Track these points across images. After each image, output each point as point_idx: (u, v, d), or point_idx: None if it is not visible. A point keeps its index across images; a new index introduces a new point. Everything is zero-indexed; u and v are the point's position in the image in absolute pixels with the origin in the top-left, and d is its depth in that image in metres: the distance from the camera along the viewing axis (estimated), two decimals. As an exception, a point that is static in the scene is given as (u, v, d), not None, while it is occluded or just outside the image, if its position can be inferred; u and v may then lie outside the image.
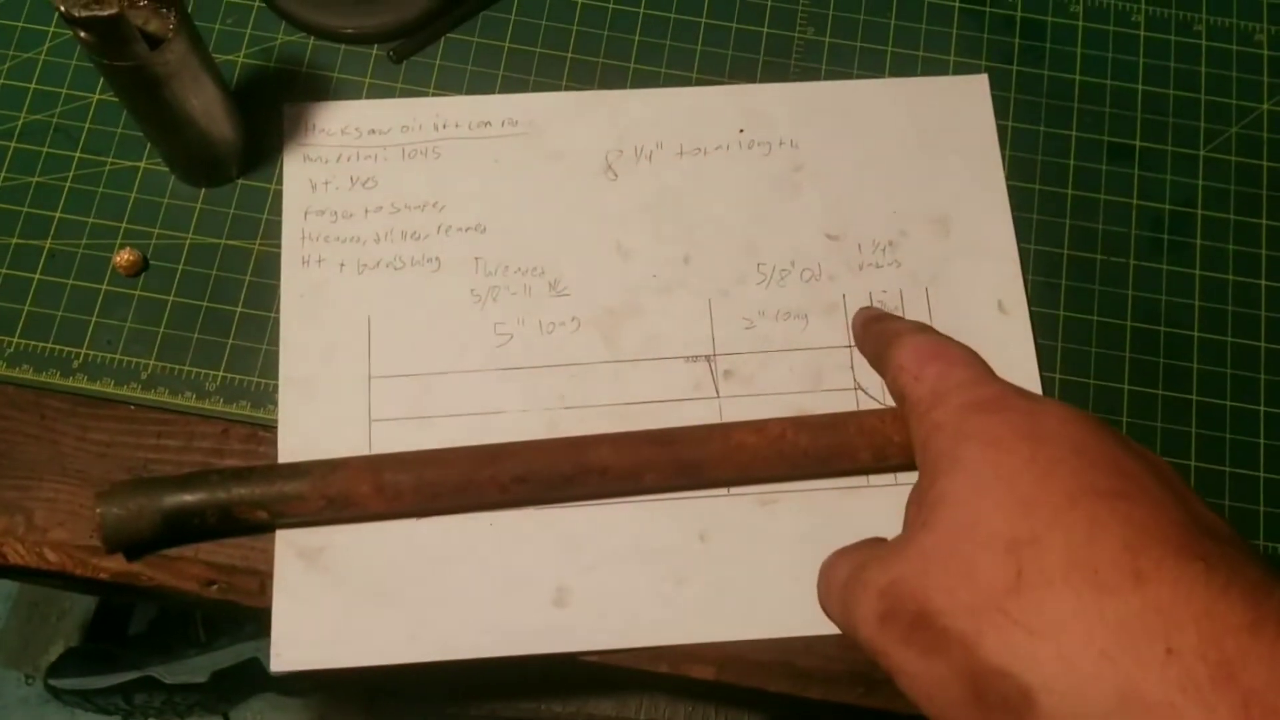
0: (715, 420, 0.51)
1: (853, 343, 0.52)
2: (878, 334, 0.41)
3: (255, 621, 1.12)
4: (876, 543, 0.34)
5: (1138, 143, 0.56)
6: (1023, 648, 0.29)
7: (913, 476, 0.49)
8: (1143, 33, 0.58)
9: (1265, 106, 0.57)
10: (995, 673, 0.29)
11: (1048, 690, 0.28)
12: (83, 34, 0.44)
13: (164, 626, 1.13)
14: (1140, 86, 0.57)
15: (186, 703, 1.13)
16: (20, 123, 0.54)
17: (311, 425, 0.50)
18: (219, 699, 1.14)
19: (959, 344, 0.38)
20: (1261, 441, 0.52)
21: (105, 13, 0.42)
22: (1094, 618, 0.28)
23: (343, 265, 0.52)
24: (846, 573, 0.34)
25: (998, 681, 0.29)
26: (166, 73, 0.46)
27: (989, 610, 0.29)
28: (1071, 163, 0.55)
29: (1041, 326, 0.53)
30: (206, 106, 0.49)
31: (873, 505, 0.50)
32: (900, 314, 0.52)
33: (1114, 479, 0.31)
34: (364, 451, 0.50)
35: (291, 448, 0.50)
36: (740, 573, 0.49)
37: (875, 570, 0.33)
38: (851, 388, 0.52)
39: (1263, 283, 0.54)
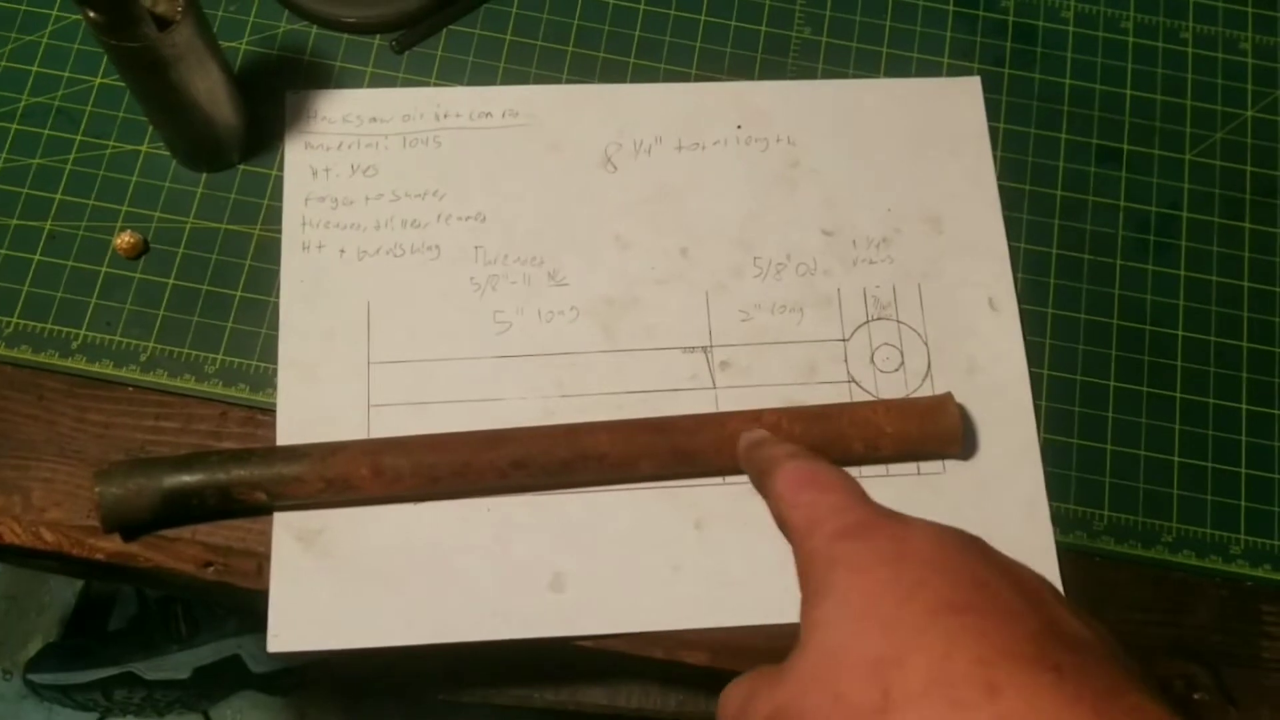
0: (711, 410, 0.51)
1: (844, 336, 0.53)
2: (759, 460, 0.43)
3: (238, 617, 1.12)
4: (768, 669, 0.35)
5: (1125, 146, 0.57)
6: None
7: (905, 469, 0.51)
8: (1131, 39, 0.59)
9: (1249, 113, 0.58)
10: None
11: None
12: (91, 14, 0.44)
13: (145, 622, 1.12)
14: (1129, 91, 0.58)
15: (167, 699, 1.12)
16: (22, 105, 0.54)
17: (310, 409, 0.50)
18: (200, 696, 1.14)
19: (831, 469, 0.39)
20: (1243, 439, 0.53)
21: (116, -8, 0.43)
22: None
23: (343, 251, 0.53)
24: (737, 704, 0.36)
25: None
26: (173, 55, 0.46)
27: None
28: (1061, 164, 0.56)
29: (1030, 323, 0.54)
30: (211, 91, 0.49)
31: (865, 496, 0.51)
32: (895, 309, 0.53)
33: (970, 594, 0.32)
34: (362, 436, 0.50)
35: (290, 431, 0.50)
36: (734, 560, 0.50)
37: (761, 699, 0.34)
38: (845, 380, 0.52)
39: (1245, 284, 0.55)
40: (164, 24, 0.45)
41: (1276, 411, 0.53)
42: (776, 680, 0.34)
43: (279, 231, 0.53)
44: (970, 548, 0.34)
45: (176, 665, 1.09)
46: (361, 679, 1.15)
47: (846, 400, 0.52)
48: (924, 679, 0.30)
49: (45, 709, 1.16)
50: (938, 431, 0.50)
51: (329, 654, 0.48)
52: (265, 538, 0.48)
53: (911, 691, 0.30)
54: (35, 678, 1.10)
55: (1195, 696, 0.50)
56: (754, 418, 0.49)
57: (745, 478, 0.50)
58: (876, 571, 0.33)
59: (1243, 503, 0.52)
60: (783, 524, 0.38)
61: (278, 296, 0.52)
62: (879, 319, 0.53)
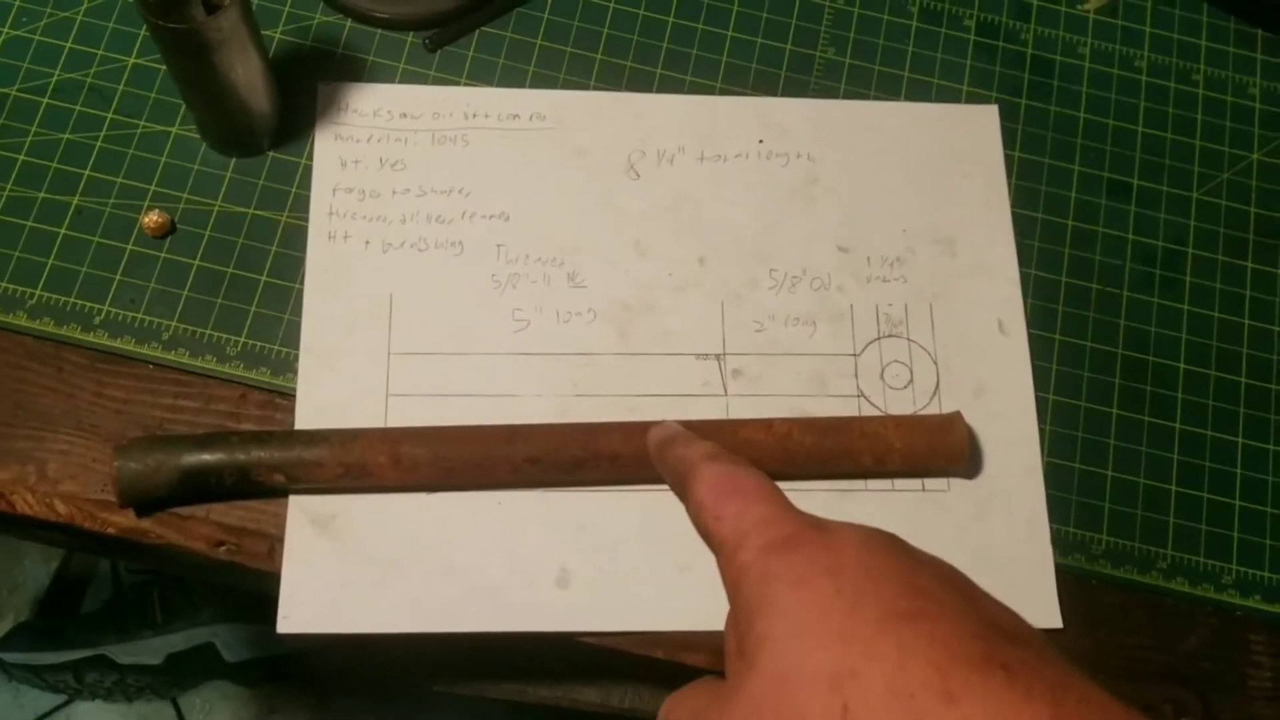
0: (721, 417, 0.52)
1: (855, 351, 0.54)
2: (673, 461, 0.42)
3: (213, 605, 1.11)
4: (710, 687, 0.35)
5: (1135, 181, 0.58)
6: None
7: (910, 484, 0.52)
8: (1144, 78, 0.60)
9: (1255, 156, 0.60)
10: None
11: None
12: (142, -7, 0.45)
13: (119, 606, 1.12)
14: (1140, 128, 0.59)
15: (138, 685, 1.11)
16: (54, 80, 0.55)
17: (329, 395, 0.51)
18: (171, 683, 1.13)
19: (751, 472, 0.38)
20: (1238, 471, 0.54)
21: (167, -25, 0.44)
22: None
23: (368, 243, 0.53)
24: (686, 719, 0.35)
25: None
26: (218, 39, 0.47)
27: None
28: (1073, 195, 0.58)
29: (1038, 348, 0.55)
30: (249, 77, 0.50)
31: (869, 508, 0.52)
32: (906, 327, 0.54)
33: (912, 599, 0.32)
34: (379, 425, 0.50)
35: (309, 416, 0.50)
36: (739, 565, 0.50)
37: (713, 717, 0.34)
38: (854, 394, 0.53)
39: (1246, 321, 0.56)
40: (211, 8, 0.46)
41: (1271, 447, 0.54)
42: (727, 699, 0.33)
43: (306, 219, 0.53)
44: (897, 550, 0.34)
45: (150, 650, 1.09)
46: (333, 673, 1.15)
47: (855, 414, 0.53)
48: (882, 690, 0.30)
49: (13, 689, 1.15)
50: (945, 449, 0.51)
51: (328, 639, 0.48)
52: (279, 520, 0.49)
53: (871, 704, 0.30)
54: (5, 656, 1.09)
55: (1182, 721, 0.51)
56: (766, 426, 0.50)
57: (753, 485, 0.51)
58: (817, 583, 0.33)
59: (1236, 534, 0.53)
60: (705, 534, 0.38)
61: (302, 283, 0.52)
62: (890, 336, 0.54)
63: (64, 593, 1.19)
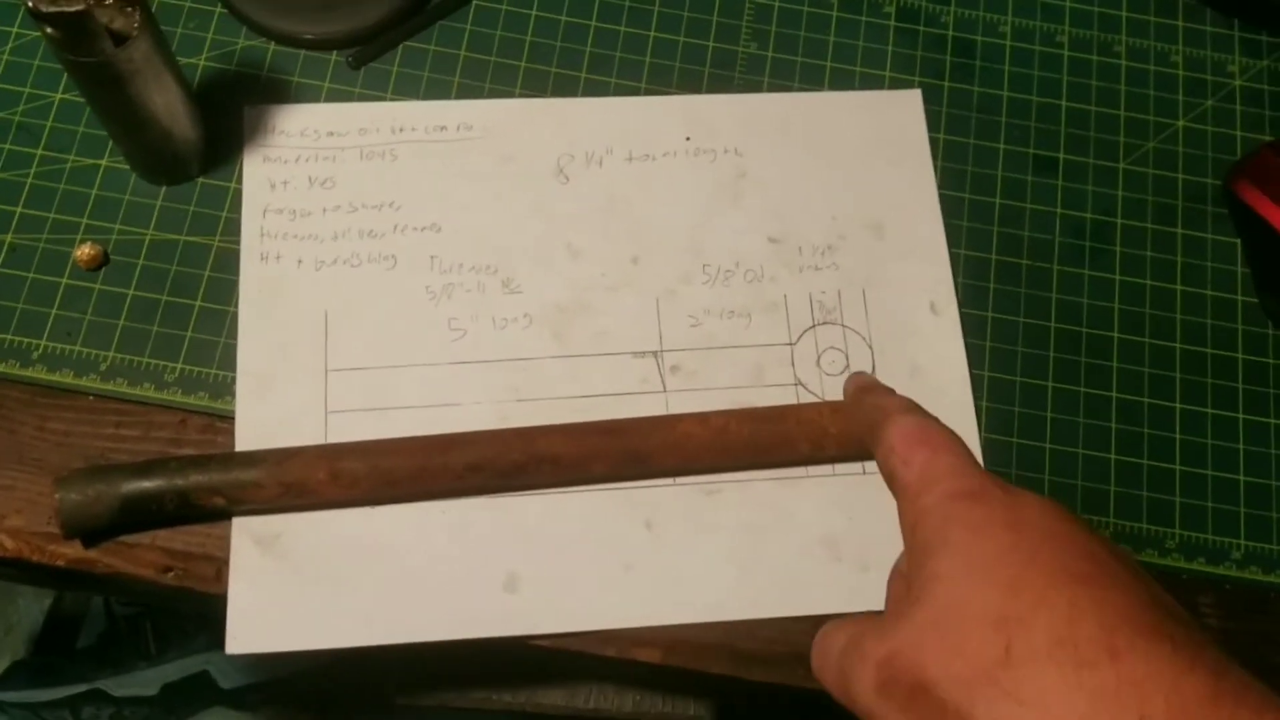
0: (662, 413, 0.53)
1: (791, 340, 0.54)
2: (870, 408, 0.44)
3: (206, 633, 1.11)
4: (871, 616, 0.37)
5: (1061, 155, 0.59)
6: (1012, 716, 0.31)
7: (850, 468, 0.53)
8: (1066, 53, 0.61)
9: (1180, 123, 0.60)
10: None
11: None
12: (49, 29, 0.45)
13: (113, 639, 1.12)
14: (1064, 103, 0.60)
15: (134, 717, 1.12)
16: (-18, 121, 0.55)
17: (269, 416, 0.51)
18: (168, 713, 1.13)
19: (943, 428, 0.40)
20: (1177, 436, 0.54)
21: (72, 9, 0.44)
22: (1075, 689, 0.31)
23: (300, 261, 0.54)
24: (843, 643, 0.37)
25: None
26: (130, 70, 0.47)
27: (981, 682, 0.32)
28: (999, 173, 0.58)
29: (971, 326, 0.55)
30: (169, 105, 0.50)
31: (812, 495, 0.52)
32: (840, 313, 0.55)
33: (1088, 565, 0.34)
34: (320, 442, 0.51)
35: (248, 438, 0.51)
36: (685, 559, 0.51)
37: (872, 642, 0.35)
38: (792, 383, 0.54)
39: (1178, 288, 0.57)
40: (120, 40, 0.46)
41: (1209, 410, 0.55)
42: (888, 627, 0.35)
43: (238, 243, 0.54)
44: (1077, 521, 0.36)
45: (144, 682, 1.09)
46: (330, 692, 1.15)
47: (793, 402, 0.53)
48: (1048, 638, 0.32)
49: (12, 728, 1.16)
50: (881, 431, 0.51)
51: (289, 656, 0.49)
52: (224, 543, 0.49)
53: (1036, 649, 0.32)
54: (3, 696, 1.09)
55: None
56: (702, 419, 0.51)
57: (695, 479, 0.52)
58: (997, 534, 0.35)
59: (1178, 499, 0.54)
60: (891, 477, 0.39)
61: (236, 306, 0.53)
62: (824, 323, 0.55)
63: (59, 629, 1.19)
